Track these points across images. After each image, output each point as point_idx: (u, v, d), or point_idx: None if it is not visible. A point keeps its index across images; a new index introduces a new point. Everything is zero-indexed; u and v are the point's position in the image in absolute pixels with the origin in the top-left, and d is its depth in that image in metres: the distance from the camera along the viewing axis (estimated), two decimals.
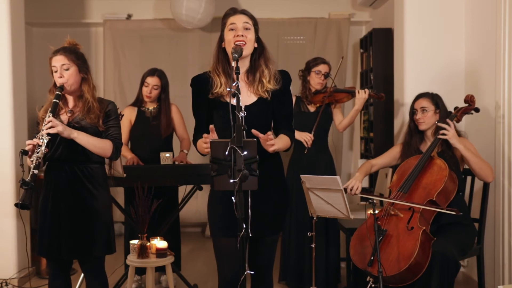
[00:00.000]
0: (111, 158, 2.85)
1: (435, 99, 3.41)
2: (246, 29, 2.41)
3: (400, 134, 4.21)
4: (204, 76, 2.51)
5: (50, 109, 2.69)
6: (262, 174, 2.16)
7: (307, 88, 4.08)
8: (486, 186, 3.38)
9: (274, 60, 2.55)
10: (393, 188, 3.25)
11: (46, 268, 4.40)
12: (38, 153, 2.59)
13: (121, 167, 3.51)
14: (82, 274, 3.67)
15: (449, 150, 3.29)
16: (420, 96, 3.46)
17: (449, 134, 3.21)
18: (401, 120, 4.32)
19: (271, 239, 2.52)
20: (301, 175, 2.91)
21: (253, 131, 2.26)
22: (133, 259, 3.42)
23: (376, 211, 2.88)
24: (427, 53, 4.21)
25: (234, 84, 2.15)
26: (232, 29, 2.41)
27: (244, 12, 2.45)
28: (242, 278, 2.11)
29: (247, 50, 2.41)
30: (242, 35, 2.38)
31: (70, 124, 2.76)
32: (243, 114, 2.09)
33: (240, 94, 2.12)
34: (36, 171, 2.57)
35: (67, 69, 2.74)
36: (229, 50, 2.42)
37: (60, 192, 2.76)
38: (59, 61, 2.74)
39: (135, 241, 3.45)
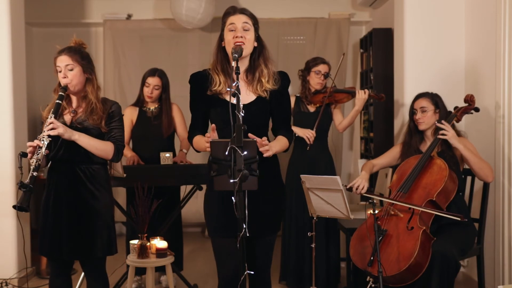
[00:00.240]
0: (113, 160, 2.84)
1: (435, 99, 3.41)
2: (246, 29, 2.41)
3: (400, 134, 4.21)
4: (204, 73, 2.51)
5: (52, 110, 2.68)
6: (259, 174, 2.16)
7: (306, 88, 4.08)
8: (486, 186, 3.38)
9: (274, 60, 2.56)
10: (393, 188, 3.25)
11: (46, 268, 4.40)
12: (38, 154, 2.59)
13: (121, 167, 3.51)
14: (82, 274, 3.68)
15: (449, 150, 3.29)
16: (419, 96, 3.46)
17: (449, 134, 3.21)
18: (401, 120, 4.32)
19: (268, 239, 2.52)
20: (301, 175, 2.91)
21: (250, 135, 2.26)
22: (133, 259, 3.42)
23: (376, 211, 2.87)
24: (427, 53, 4.21)
25: (234, 84, 2.15)
26: (231, 30, 2.41)
27: (243, 12, 2.45)
28: (242, 278, 2.10)
29: (246, 50, 2.41)
30: (242, 36, 2.38)
31: (72, 125, 2.75)
32: (242, 114, 2.09)
33: (240, 93, 2.12)
34: (35, 173, 2.57)
35: (71, 70, 2.73)
36: (228, 49, 2.43)
37: (61, 192, 2.76)
38: (63, 61, 2.73)
39: (135, 241, 3.45)
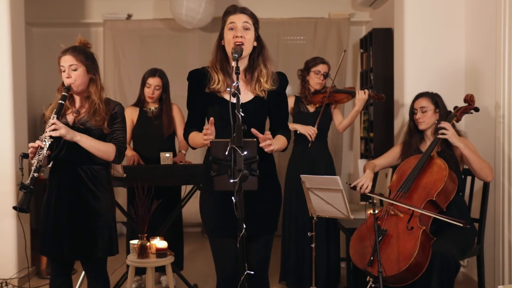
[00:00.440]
0: (114, 162, 2.84)
1: (435, 99, 3.41)
2: (246, 29, 2.41)
3: (400, 135, 4.21)
4: (202, 70, 2.51)
5: (55, 110, 2.67)
6: None
7: (306, 88, 4.07)
8: (486, 186, 3.38)
9: (273, 60, 2.56)
10: (393, 188, 3.25)
11: (46, 268, 4.40)
12: (39, 155, 2.58)
13: (121, 167, 3.51)
14: (82, 274, 3.69)
15: (449, 150, 3.29)
16: (419, 96, 3.46)
17: (449, 133, 3.21)
18: (401, 120, 4.32)
19: (265, 239, 2.51)
20: (301, 175, 2.91)
21: (253, 130, 2.26)
22: (133, 259, 3.42)
23: (376, 211, 2.87)
24: (427, 53, 4.21)
25: (234, 84, 2.15)
26: (231, 29, 2.41)
27: (244, 11, 2.44)
28: (242, 278, 2.10)
29: (246, 50, 2.41)
30: (241, 36, 2.38)
31: (75, 125, 2.75)
32: (242, 114, 2.09)
33: (240, 93, 2.12)
34: (36, 174, 2.56)
35: (75, 70, 2.73)
36: (228, 49, 2.43)
37: (63, 192, 2.75)
38: (67, 61, 2.72)
39: (135, 241, 3.45)
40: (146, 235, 3.44)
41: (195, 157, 4.55)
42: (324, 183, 2.84)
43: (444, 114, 3.39)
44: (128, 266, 3.59)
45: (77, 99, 2.82)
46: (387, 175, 4.30)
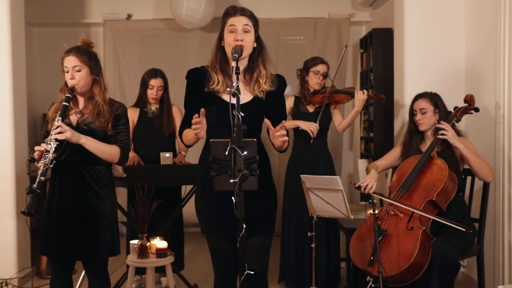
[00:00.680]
0: (118, 163, 2.84)
1: (434, 99, 3.41)
2: (246, 31, 2.41)
3: (400, 135, 4.21)
4: (201, 69, 2.51)
5: (59, 112, 2.65)
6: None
7: (305, 88, 4.06)
8: (486, 186, 3.38)
9: (272, 61, 2.55)
10: (393, 188, 3.25)
11: (46, 268, 4.40)
12: (45, 159, 2.56)
13: (121, 167, 3.51)
14: (82, 274, 3.69)
15: (449, 150, 3.29)
16: (418, 97, 3.45)
17: (448, 134, 3.21)
18: (401, 121, 4.32)
19: (262, 240, 2.50)
20: (301, 175, 2.91)
21: (266, 121, 2.30)
22: (133, 259, 3.42)
23: (376, 211, 2.87)
24: (427, 53, 4.21)
25: (234, 84, 2.15)
26: (231, 31, 2.41)
27: (244, 13, 2.43)
28: (242, 279, 2.10)
29: (246, 52, 2.41)
30: (241, 39, 2.37)
31: (79, 126, 2.74)
32: (242, 114, 2.09)
33: (240, 94, 2.12)
34: (43, 178, 2.54)
35: (79, 71, 2.71)
36: (228, 50, 2.43)
37: (66, 193, 2.74)
38: (71, 62, 2.71)
39: (135, 241, 3.45)
40: (146, 235, 3.44)
41: (195, 158, 4.54)
42: (324, 183, 2.84)
43: (444, 114, 3.38)
44: (128, 266, 3.59)
45: (81, 99, 2.81)
46: (387, 175, 4.30)
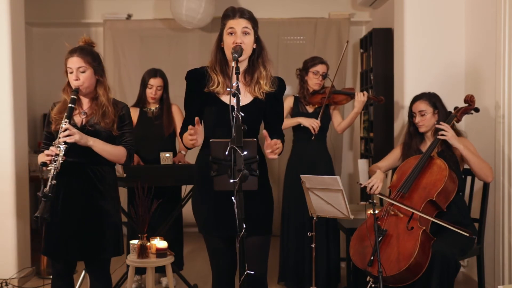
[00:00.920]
0: (124, 164, 2.85)
1: (432, 100, 3.40)
2: (245, 34, 2.41)
3: (400, 136, 4.21)
4: (201, 70, 2.51)
5: (66, 114, 2.64)
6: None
7: (305, 88, 4.05)
8: (486, 186, 3.38)
9: (272, 61, 2.55)
10: (393, 188, 3.25)
11: (46, 268, 4.40)
12: (55, 162, 2.55)
13: (121, 167, 3.51)
14: (82, 274, 3.69)
15: (449, 150, 3.29)
16: (416, 99, 3.44)
17: (448, 134, 3.21)
18: (401, 122, 4.32)
19: (260, 240, 2.49)
20: (301, 175, 2.91)
21: (264, 132, 2.31)
22: (133, 259, 3.42)
23: (376, 211, 2.87)
24: (427, 54, 4.20)
25: (234, 84, 2.15)
26: (231, 34, 2.40)
27: (243, 16, 2.42)
28: (242, 279, 2.10)
29: (246, 54, 2.41)
30: (241, 42, 2.37)
31: (84, 127, 2.73)
32: (243, 114, 2.09)
33: (240, 94, 2.12)
34: (54, 182, 2.52)
35: (83, 72, 2.71)
36: (227, 52, 2.43)
37: (71, 193, 2.72)
38: (75, 63, 2.70)
39: (135, 241, 3.45)
40: (146, 235, 3.44)
41: (195, 158, 4.54)
42: (324, 183, 2.84)
43: (443, 114, 3.38)
44: (128, 266, 3.59)
45: (84, 100, 2.81)
46: (387, 175, 4.30)
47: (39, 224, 2.67)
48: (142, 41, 6.00)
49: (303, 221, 3.92)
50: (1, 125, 4.15)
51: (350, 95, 4.03)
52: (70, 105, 2.66)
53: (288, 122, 3.97)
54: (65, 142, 2.58)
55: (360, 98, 3.95)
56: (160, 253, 3.43)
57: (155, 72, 4.12)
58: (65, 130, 2.59)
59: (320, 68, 4.01)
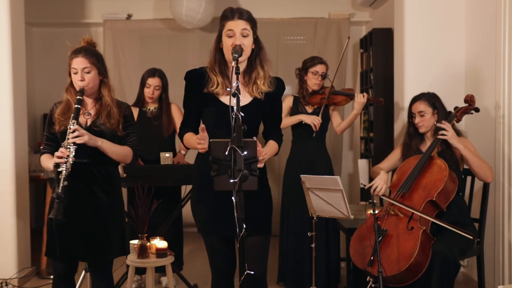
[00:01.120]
0: (131, 164, 2.86)
1: (432, 100, 3.40)
2: (244, 36, 2.40)
3: (400, 137, 4.20)
4: (200, 71, 2.51)
5: (73, 115, 2.63)
6: None
7: (304, 88, 4.05)
8: (486, 186, 3.38)
9: (271, 61, 2.55)
10: (393, 188, 3.25)
11: (46, 268, 4.40)
12: (66, 164, 2.55)
13: (121, 167, 3.51)
14: (82, 274, 3.68)
15: (448, 150, 3.29)
16: (416, 99, 3.43)
17: (449, 134, 3.21)
18: (401, 122, 4.32)
19: (259, 240, 2.49)
20: (301, 175, 2.91)
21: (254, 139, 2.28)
22: (133, 259, 3.42)
23: (376, 211, 2.87)
24: (427, 53, 4.20)
25: (234, 84, 2.15)
26: (230, 36, 2.40)
27: (242, 17, 2.41)
28: (242, 279, 2.10)
29: (245, 55, 2.41)
30: (240, 44, 2.37)
31: (90, 128, 2.73)
32: (243, 114, 2.09)
33: (240, 94, 2.12)
34: (66, 183, 2.52)
35: (88, 72, 2.70)
36: (226, 53, 2.43)
37: (78, 194, 2.70)
38: (80, 63, 2.69)
39: (135, 241, 3.45)
40: (146, 235, 3.44)
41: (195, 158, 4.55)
42: (324, 183, 2.84)
43: (443, 114, 3.38)
44: (128, 266, 3.59)
45: (88, 101, 2.80)
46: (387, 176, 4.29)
47: (54, 226, 2.64)
48: (142, 41, 6.00)
49: (302, 221, 3.91)
50: (1, 125, 4.15)
51: (350, 96, 4.03)
52: (76, 105, 2.65)
53: (289, 120, 3.97)
54: (74, 143, 2.57)
55: (360, 99, 3.95)
56: (160, 253, 3.43)
57: (154, 72, 4.12)
58: (74, 131, 2.58)
59: (319, 68, 4.01)
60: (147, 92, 4.10)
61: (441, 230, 3.10)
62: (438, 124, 3.26)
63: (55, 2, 6.00)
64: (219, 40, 2.47)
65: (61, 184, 2.51)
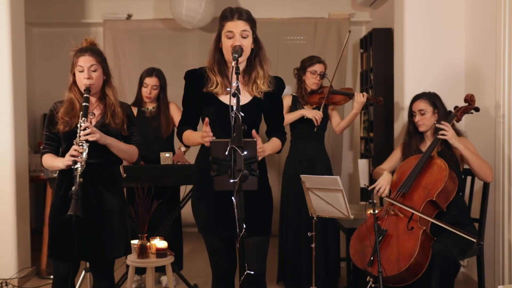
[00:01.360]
0: (136, 163, 2.88)
1: (432, 99, 3.40)
2: (244, 36, 2.40)
3: (400, 137, 4.20)
4: (200, 71, 2.52)
5: (81, 113, 2.63)
6: None
7: (302, 88, 4.05)
8: (486, 186, 3.38)
9: (270, 61, 2.56)
10: (393, 188, 3.24)
11: (46, 268, 4.40)
12: (81, 161, 2.56)
13: (121, 167, 3.51)
14: (82, 274, 3.69)
15: (448, 150, 3.29)
16: (416, 98, 3.44)
17: (449, 134, 3.21)
18: (401, 123, 4.32)
19: (259, 240, 2.49)
20: (301, 175, 2.91)
21: (253, 132, 2.28)
22: (133, 259, 3.42)
23: (376, 211, 2.87)
24: (427, 53, 4.20)
25: (234, 84, 2.15)
26: (229, 37, 2.40)
27: (241, 17, 2.41)
28: (242, 279, 2.10)
29: (244, 55, 2.41)
30: (240, 45, 2.37)
31: (96, 127, 2.72)
32: (243, 114, 2.09)
33: (239, 94, 2.13)
34: (81, 179, 2.53)
35: (95, 71, 2.71)
36: (226, 53, 2.43)
37: (84, 194, 2.65)
38: (87, 61, 2.70)
39: (135, 241, 3.45)
40: (146, 235, 3.44)
41: (195, 157, 4.55)
42: (324, 183, 2.84)
43: (443, 114, 3.38)
44: (128, 266, 3.59)
45: (92, 100, 2.80)
46: None
47: (73, 223, 2.58)
48: (142, 41, 6.00)
49: (301, 221, 3.91)
50: (1, 125, 4.15)
51: (349, 96, 4.03)
52: (84, 103, 2.66)
53: (291, 116, 3.96)
54: (86, 141, 2.58)
55: (359, 99, 3.95)
56: (160, 253, 3.44)
57: (151, 71, 4.12)
58: (85, 128, 2.58)
59: (318, 67, 4.00)
60: (145, 91, 4.10)
61: (441, 230, 3.09)
62: (437, 125, 3.26)
63: (55, 2, 6.00)
64: (218, 40, 2.47)
65: (77, 181, 2.51)
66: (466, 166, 3.38)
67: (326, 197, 2.87)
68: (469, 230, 3.21)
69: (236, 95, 2.11)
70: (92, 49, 2.76)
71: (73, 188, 2.49)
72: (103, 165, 2.74)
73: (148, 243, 3.45)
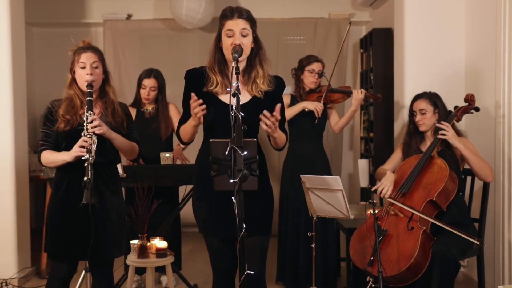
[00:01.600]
0: (135, 159, 2.90)
1: (433, 99, 3.40)
2: (244, 35, 2.40)
3: (400, 136, 4.20)
4: (200, 70, 2.51)
5: (86, 107, 2.65)
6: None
7: (301, 87, 4.05)
8: (486, 186, 3.38)
9: (270, 60, 2.55)
10: (394, 188, 3.24)
11: (46, 268, 4.40)
12: (91, 152, 2.57)
13: (121, 167, 3.51)
14: (82, 274, 3.67)
15: (449, 150, 3.29)
16: (417, 98, 3.44)
17: (449, 134, 3.21)
18: (401, 122, 4.32)
19: (259, 240, 2.49)
20: (301, 175, 2.91)
21: (264, 114, 2.25)
22: (133, 259, 3.42)
23: (376, 211, 2.87)
24: (427, 53, 4.21)
25: (234, 84, 2.15)
26: (229, 36, 2.40)
27: (241, 16, 2.41)
28: (242, 279, 2.10)
29: (244, 55, 2.41)
30: (240, 44, 2.37)
31: None
32: (242, 114, 2.09)
33: (240, 94, 2.12)
34: (93, 171, 2.54)
35: (96, 68, 2.74)
36: (226, 52, 2.43)
37: (83, 192, 2.64)
38: (89, 58, 2.72)
39: (135, 241, 3.45)
40: (146, 235, 3.44)
41: (194, 156, 4.54)
42: (324, 183, 2.84)
43: (444, 113, 3.38)
44: (128, 266, 3.59)
45: None
46: None
47: (89, 213, 2.57)
48: (142, 41, 6.00)
49: (300, 220, 3.91)
50: (1, 125, 4.15)
51: (347, 93, 4.03)
52: (89, 98, 2.67)
53: (292, 110, 3.94)
54: (94, 133, 2.60)
55: (357, 95, 3.95)
56: (160, 253, 3.44)
57: (150, 72, 4.11)
58: (92, 121, 2.60)
59: (315, 66, 4.00)
60: (143, 93, 4.10)
61: (441, 230, 3.09)
62: (437, 125, 3.26)
63: (55, 2, 6.00)
64: (218, 39, 2.47)
65: (89, 171, 2.53)
66: (466, 166, 3.38)
67: (326, 197, 2.87)
68: (469, 230, 3.21)
69: (236, 95, 2.11)
70: (93, 47, 2.79)
71: (85, 178, 2.50)
72: (102, 164, 2.74)
73: (148, 243, 3.45)
